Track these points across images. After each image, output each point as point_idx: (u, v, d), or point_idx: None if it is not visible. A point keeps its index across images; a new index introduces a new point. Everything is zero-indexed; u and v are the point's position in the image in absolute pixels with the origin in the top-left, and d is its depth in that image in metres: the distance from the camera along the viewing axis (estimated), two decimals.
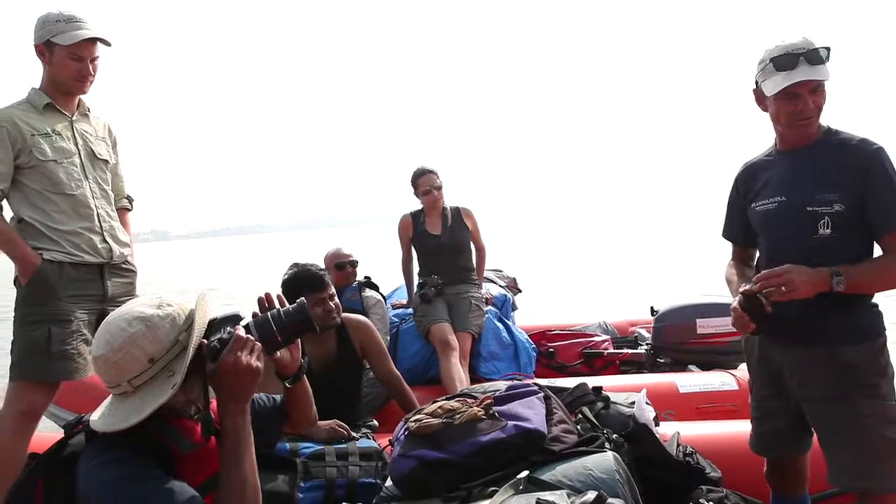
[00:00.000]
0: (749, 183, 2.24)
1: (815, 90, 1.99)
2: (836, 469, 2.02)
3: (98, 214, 2.78)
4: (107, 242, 2.79)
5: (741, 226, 2.29)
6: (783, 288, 1.91)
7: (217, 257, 51.20)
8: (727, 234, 2.40)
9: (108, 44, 2.75)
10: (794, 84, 1.96)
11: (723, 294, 2.18)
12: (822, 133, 2.06)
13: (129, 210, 3.13)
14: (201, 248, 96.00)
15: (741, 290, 2.09)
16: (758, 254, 2.28)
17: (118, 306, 1.49)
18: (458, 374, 3.67)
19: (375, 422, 3.15)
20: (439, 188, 4.21)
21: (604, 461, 1.82)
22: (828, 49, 1.97)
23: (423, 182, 4.20)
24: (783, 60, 1.98)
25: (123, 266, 2.89)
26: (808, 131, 2.05)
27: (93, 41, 2.70)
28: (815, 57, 1.96)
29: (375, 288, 4.30)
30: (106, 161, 2.89)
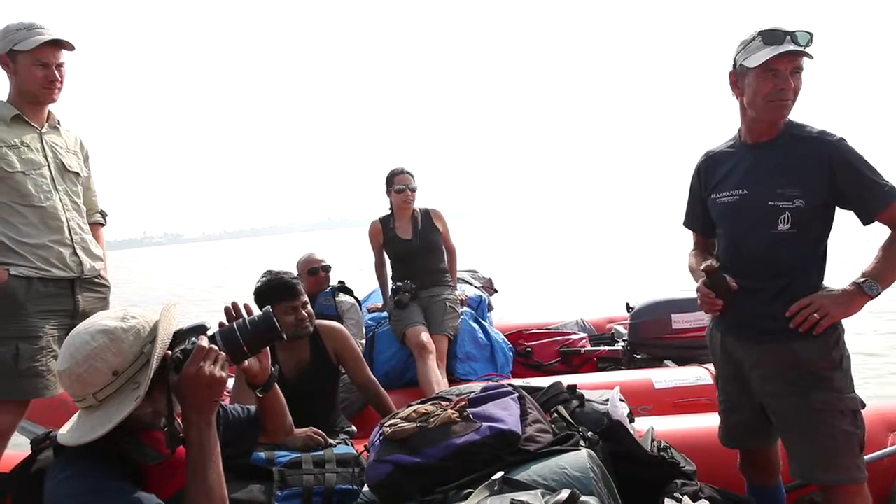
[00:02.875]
0: (710, 173, 2.24)
1: (795, 72, 1.98)
2: (796, 462, 2.06)
3: (69, 227, 2.74)
4: (77, 256, 2.74)
5: (702, 215, 2.29)
6: (816, 315, 1.92)
7: (228, 260, 50.59)
8: (688, 223, 2.40)
9: (71, 48, 2.71)
10: (778, 57, 1.94)
11: (695, 290, 2.19)
12: (785, 127, 2.07)
13: (102, 225, 3.09)
14: (214, 251, 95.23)
15: (703, 266, 2.11)
16: (717, 244, 2.29)
17: None
18: (436, 376, 3.67)
19: (353, 427, 3.13)
20: (413, 189, 4.21)
21: (578, 459, 1.83)
22: (811, 34, 1.95)
23: (399, 180, 4.20)
24: (771, 35, 1.97)
25: (96, 280, 2.85)
26: (782, 114, 2.03)
27: (56, 46, 2.66)
28: (800, 38, 1.95)
29: (349, 292, 4.29)
30: (77, 174, 2.85)
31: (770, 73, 1.98)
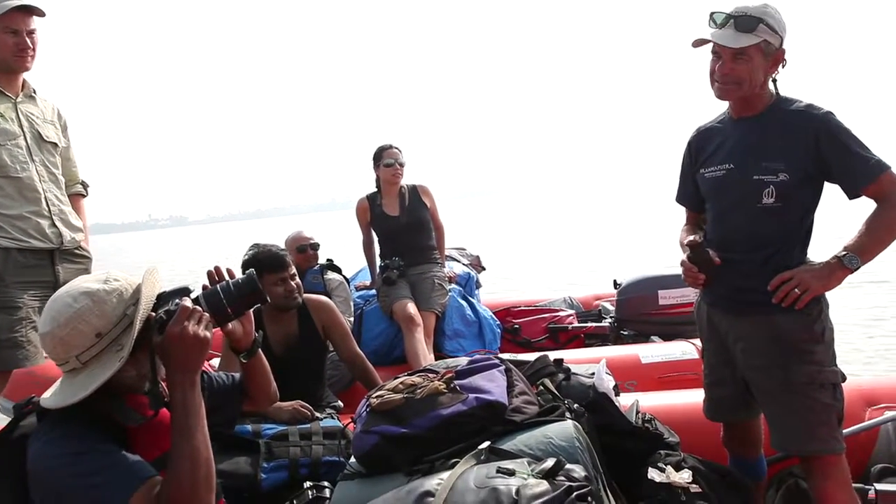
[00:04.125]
0: (700, 148, 2.25)
1: (738, 56, 1.98)
2: (777, 434, 2.08)
3: (46, 198, 2.71)
4: (56, 227, 2.71)
5: (694, 190, 2.29)
6: (796, 290, 1.93)
7: (233, 241, 50.26)
8: (680, 198, 2.40)
9: (41, 14, 2.67)
10: (715, 43, 1.99)
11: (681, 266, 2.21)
12: (772, 101, 2.07)
13: (83, 196, 3.05)
14: (219, 233, 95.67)
15: (686, 241, 2.12)
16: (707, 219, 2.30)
17: None
18: (423, 349, 3.68)
19: (340, 402, 3.14)
20: (402, 164, 4.19)
21: (564, 430, 1.84)
22: (757, 20, 1.94)
23: (388, 154, 4.18)
24: (717, 17, 2.01)
25: (76, 251, 2.82)
26: (722, 96, 2.07)
27: (26, 12, 2.62)
28: (743, 24, 1.95)
29: (338, 270, 4.28)
30: (55, 144, 2.81)
31: (714, 54, 2.03)
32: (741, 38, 1.96)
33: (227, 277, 1.57)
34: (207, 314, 1.44)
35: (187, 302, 1.41)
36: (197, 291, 1.51)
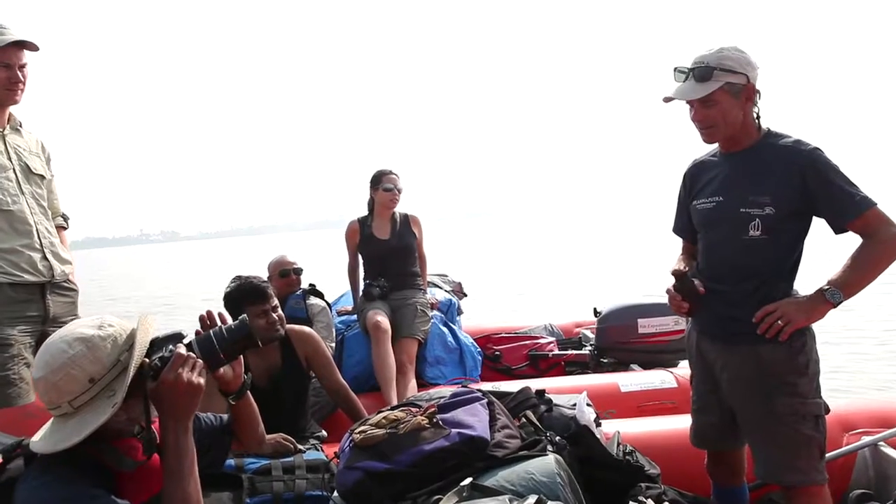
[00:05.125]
0: (694, 180, 2.31)
1: (706, 103, 2.06)
2: (760, 463, 2.12)
3: (37, 231, 2.70)
4: (47, 260, 2.70)
5: (688, 222, 2.34)
6: (779, 321, 1.98)
7: (224, 258, 49.46)
8: (676, 229, 2.46)
9: (35, 48, 2.67)
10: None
11: (663, 294, 2.26)
12: (761, 136, 2.13)
13: (64, 228, 3.04)
14: (210, 249, 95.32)
15: (672, 270, 2.17)
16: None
17: (60, 327, 1.47)
18: (389, 360, 3.70)
19: (323, 431, 3.13)
20: (400, 191, 4.25)
21: (545, 465, 1.87)
22: (712, 69, 2.02)
23: (387, 180, 4.22)
24: (677, 74, 2.10)
25: (65, 284, 2.80)
26: (705, 139, 2.15)
27: (19, 47, 2.62)
28: (700, 74, 2.04)
29: (320, 295, 4.28)
30: (42, 176, 2.80)
31: (688, 103, 2.12)
32: (700, 89, 2.04)
33: (218, 322, 1.59)
34: (201, 361, 1.45)
35: (181, 349, 1.44)
36: (190, 336, 1.53)
